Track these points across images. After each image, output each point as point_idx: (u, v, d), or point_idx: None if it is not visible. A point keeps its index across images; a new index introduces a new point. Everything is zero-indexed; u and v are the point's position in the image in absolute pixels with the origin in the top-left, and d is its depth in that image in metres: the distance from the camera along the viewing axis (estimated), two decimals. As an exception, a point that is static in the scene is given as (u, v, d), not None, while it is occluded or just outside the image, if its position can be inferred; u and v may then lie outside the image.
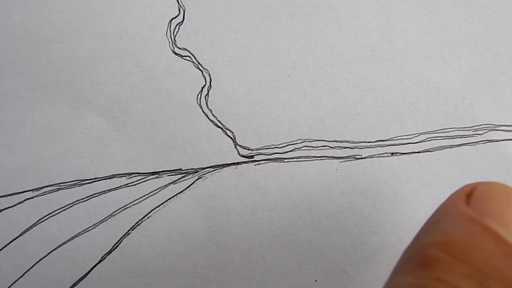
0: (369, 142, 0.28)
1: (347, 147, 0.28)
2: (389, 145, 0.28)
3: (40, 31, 0.29)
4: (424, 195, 0.28)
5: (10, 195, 0.27)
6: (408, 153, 0.28)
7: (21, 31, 0.29)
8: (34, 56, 0.29)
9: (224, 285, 0.27)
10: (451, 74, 0.29)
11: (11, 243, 0.27)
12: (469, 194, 0.19)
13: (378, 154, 0.28)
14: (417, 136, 0.29)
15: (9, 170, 0.27)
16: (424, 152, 0.28)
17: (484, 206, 0.18)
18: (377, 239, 0.27)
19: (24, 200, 0.27)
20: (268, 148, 0.28)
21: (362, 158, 0.28)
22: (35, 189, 0.27)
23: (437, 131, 0.29)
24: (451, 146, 0.29)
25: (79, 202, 0.27)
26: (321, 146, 0.28)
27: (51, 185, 0.27)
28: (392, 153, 0.28)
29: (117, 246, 0.27)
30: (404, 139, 0.28)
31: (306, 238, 0.27)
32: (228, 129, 0.28)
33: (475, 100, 0.29)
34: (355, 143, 0.28)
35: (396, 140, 0.28)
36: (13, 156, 0.28)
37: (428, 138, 0.29)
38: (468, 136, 0.29)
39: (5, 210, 0.27)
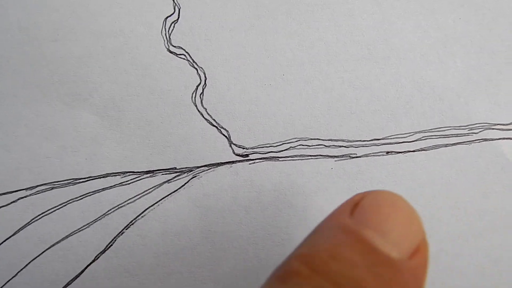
0: (364, 141, 0.28)
1: (342, 146, 0.28)
2: (384, 144, 0.28)
3: (35, 29, 0.29)
4: (419, 194, 0.28)
5: (4, 194, 0.27)
6: (403, 152, 0.28)
7: (16, 29, 0.29)
8: (29, 54, 0.28)
9: (218, 285, 0.27)
10: (446, 73, 0.29)
11: (4, 242, 0.27)
12: (356, 204, 0.19)
13: (373, 153, 0.28)
14: (413, 135, 0.28)
15: (3, 169, 0.27)
16: (419, 151, 0.28)
17: (366, 216, 0.18)
18: (372, 238, 0.27)
19: (18, 199, 0.27)
20: (263, 147, 0.28)
21: (357, 157, 0.28)
22: (29, 188, 0.27)
23: (433, 130, 0.29)
24: (446, 145, 0.28)
25: (73, 201, 0.27)
26: (316, 145, 0.28)
27: (45, 184, 0.27)
28: (387, 152, 0.28)
29: (111, 245, 0.27)
30: (399, 138, 0.28)
31: (301, 237, 0.27)
32: (223, 127, 0.28)
33: (470, 99, 0.29)
34: (350, 142, 0.28)
35: (391, 139, 0.28)
36: (7, 154, 0.27)
37: (423, 137, 0.28)
38: (464, 135, 0.29)
39: (-1, 209, 0.27)
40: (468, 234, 0.28)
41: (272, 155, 0.28)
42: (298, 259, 0.17)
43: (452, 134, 0.29)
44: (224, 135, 0.28)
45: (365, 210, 0.18)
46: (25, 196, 0.27)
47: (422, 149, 0.28)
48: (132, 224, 0.27)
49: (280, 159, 0.28)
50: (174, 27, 0.29)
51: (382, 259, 0.17)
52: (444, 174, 0.28)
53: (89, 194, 0.27)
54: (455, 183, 0.28)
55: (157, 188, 0.27)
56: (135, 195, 0.27)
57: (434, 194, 0.28)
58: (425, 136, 0.28)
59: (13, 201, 0.27)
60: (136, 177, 0.28)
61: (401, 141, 0.28)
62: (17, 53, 0.28)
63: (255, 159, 0.28)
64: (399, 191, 0.28)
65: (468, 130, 0.29)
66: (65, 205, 0.27)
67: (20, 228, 0.27)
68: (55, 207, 0.27)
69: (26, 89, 0.28)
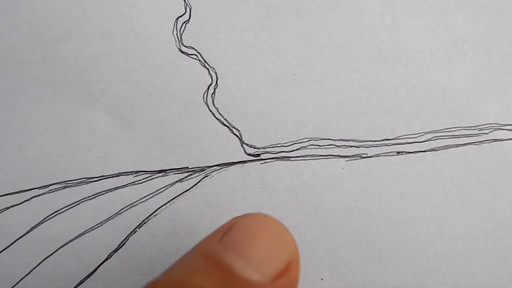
0: (375, 141, 0.28)
1: (353, 146, 0.28)
2: (394, 144, 0.28)
3: (48, 29, 0.29)
4: (430, 194, 0.28)
5: (17, 192, 0.27)
6: (413, 152, 0.28)
7: (28, 29, 0.29)
8: (41, 54, 0.29)
9: (230, 283, 0.27)
10: (456, 73, 0.29)
11: (17, 241, 0.27)
12: (230, 228, 0.19)
13: (383, 153, 0.28)
14: (423, 135, 0.29)
15: (16, 168, 0.27)
16: (429, 151, 0.29)
17: (231, 240, 0.18)
18: (383, 237, 0.27)
19: (31, 198, 0.27)
20: (274, 147, 0.28)
21: (368, 157, 0.28)
22: (42, 186, 0.27)
23: (443, 130, 0.29)
24: (456, 145, 0.29)
25: (86, 200, 0.27)
26: (327, 145, 0.28)
27: (58, 183, 0.27)
28: (398, 152, 0.28)
29: (124, 244, 0.27)
30: (409, 138, 0.29)
31: (312, 237, 0.27)
32: (234, 127, 0.28)
33: (480, 99, 0.29)
34: (361, 142, 0.28)
35: (401, 139, 0.29)
36: (20, 153, 0.28)
37: (433, 137, 0.29)
38: (474, 135, 0.29)
39: (11, 208, 0.27)
40: (478, 234, 0.28)
41: (284, 155, 0.28)
42: None
43: (462, 135, 0.29)
44: (235, 134, 0.28)
45: (232, 235, 0.18)
46: (38, 195, 0.27)
47: (432, 149, 0.28)
48: (144, 223, 0.27)
49: (291, 159, 0.28)
50: (185, 27, 0.29)
51: (241, 284, 0.17)
52: (454, 174, 0.28)
53: (101, 193, 0.27)
54: (465, 183, 0.28)
55: (169, 187, 0.28)
56: (147, 194, 0.28)
57: (444, 194, 0.28)
58: (435, 137, 0.29)
59: (26, 200, 0.27)
60: (148, 176, 0.28)
61: (412, 141, 0.29)
62: (29, 53, 0.29)
63: (267, 159, 0.28)
64: (410, 191, 0.28)
65: (478, 131, 0.29)
66: (78, 204, 0.27)
67: (33, 227, 0.27)
68: (68, 206, 0.27)
69: (38, 89, 0.28)
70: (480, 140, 0.29)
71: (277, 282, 0.17)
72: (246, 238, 0.18)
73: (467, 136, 0.29)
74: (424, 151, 0.28)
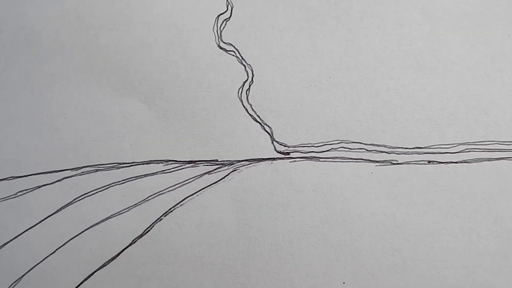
0: (406, 148, 0.28)
1: (384, 152, 0.28)
2: (426, 153, 0.28)
3: (92, 18, 0.30)
4: (460, 207, 0.28)
5: (49, 172, 0.28)
6: (445, 162, 0.28)
7: (73, 16, 0.30)
8: (84, 41, 0.29)
9: (250, 279, 0.27)
10: (493, 88, 0.29)
11: (45, 220, 0.27)
12: None
13: (414, 161, 0.28)
14: (456, 146, 0.28)
15: (50, 148, 0.28)
16: (461, 163, 0.28)
17: None
18: (409, 246, 0.27)
19: (63, 179, 0.28)
20: (304, 146, 0.28)
21: (398, 164, 0.28)
22: (74, 168, 0.28)
23: (476, 143, 0.28)
24: (489, 159, 0.28)
25: (116, 185, 0.28)
26: (358, 149, 0.28)
27: (90, 166, 0.28)
28: (429, 161, 0.28)
29: (148, 231, 0.27)
30: (442, 148, 0.28)
31: (337, 239, 0.27)
32: (266, 124, 0.28)
33: (517, 115, 0.29)
34: (392, 148, 0.28)
35: (433, 148, 0.28)
36: (56, 135, 0.28)
37: (466, 149, 0.28)
38: (508, 150, 0.28)
39: (43, 187, 0.28)
40: (507, 251, 0.27)
41: (313, 155, 0.28)
42: None
43: (496, 149, 0.28)
44: (267, 131, 0.28)
45: None
46: (70, 176, 0.28)
47: (464, 161, 0.28)
48: (171, 211, 0.27)
49: (320, 159, 0.28)
50: (225, 24, 0.30)
51: None
52: (486, 188, 0.28)
53: (131, 179, 0.28)
54: (497, 198, 0.28)
55: (198, 178, 0.28)
56: (175, 183, 0.28)
57: (474, 208, 0.28)
58: (469, 149, 0.28)
59: (58, 180, 0.28)
60: (178, 166, 0.28)
61: (444, 151, 0.28)
62: (72, 39, 0.30)
63: (296, 158, 0.28)
64: (439, 201, 0.28)
65: (513, 146, 0.28)
66: (107, 188, 0.28)
67: (62, 207, 0.27)
68: (98, 189, 0.28)
69: (78, 74, 0.29)
70: (515, 156, 0.28)
71: None
72: None
73: (501, 150, 0.28)
74: (456, 162, 0.28)
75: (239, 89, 0.29)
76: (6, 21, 0.30)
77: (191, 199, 0.28)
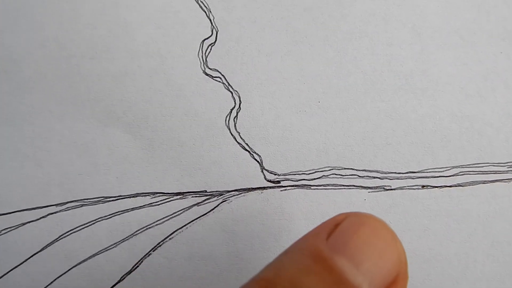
0: (399, 173, 0.28)
1: (377, 177, 0.28)
2: (420, 177, 0.28)
3: (73, 46, 0.29)
4: (455, 231, 0.27)
5: (34, 209, 0.27)
6: (439, 186, 0.28)
7: (54, 45, 0.29)
8: (65, 70, 0.29)
9: (243, 313, 0.26)
10: (486, 108, 0.29)
11: (31, 258, 0.27)
12: (337, 225, 0.17)
13: (408, 186, 0.28)
14: (449, 169, 0.28)
15: (34, 184, 0.27)
16: (456, 186, 0.28)
17: (341, 241, 0.16)
18: (404, 274, 0.26)
19: (47, 215, 0.27)
20: (295, 174, 0.28)
21: (391, 189, 0.27)
22: (59, 204, 0.27)
23: (470, 166, 0.28)
24: (484, 182, 0.28)
25: (102, 219, 0.27)
26: (350, 175, 0.28)
27: (75, 201, 0.27)
28: (423, 186, 0.28)
29: (137, 266, 0.27)
30: (435, 172, 0.28)
31: (331, 269, 0.26)
32: (255, 152, 0.28)
33: (511, 135, 0.28)
34: (385, 173, 0.28)
35: (427, 172, 0.28)
36: (39, 169, 0.27)
37: (460, 172, 0.28)
38: (503, 172, 0.28)
39: (28, 224, 0.27)
40: (504, 277, 0.27)
41: (304, 183, 0.27)
42: (258, 284, 0.16)
43: (490, 171, 0.28)
44: (256, 160, 0.28)
45: (342, 235, 0.17)
46: (55, 212, 0.27)
47: (459, 185, 0.28)
48: (160, 246, 0.27)
49: (312, 187, 0.27)
50: (211, 49, 0.29)
51: None
52: (481, 212, 0.27)
53: (118, 213, 0.27)
54: (493, 222, 0.27)
55: (187, 210, 0.27)
56: (164, 216, 0.27)
57: (470, 232, 0.27)
58: (463, 172, 0.28)
59: (43, 217, 0.27)
60: (165, 199, 0.27)
61: (438, 175, 0.28)
62: (53, 69, 0.29)
63: (287, 186, 0.27)
64: (434, 227, 0.27)
65: (508, 168, 0.28)
66: (94, 223, 0.27)
67: (47, 244, 0.27)
68: (84, 224, 0.27)
69: (61, 105, 0.28)
70: (510, 178, 0.28)
71: None
72: (359, 242, 0.17)
73: (496, 172, 0.28)
74: (450, 186, 0.28)
75: (227, 116, 0.28)
76: (-15, 53, 0.29)
77: (180, 232, 0.27)
